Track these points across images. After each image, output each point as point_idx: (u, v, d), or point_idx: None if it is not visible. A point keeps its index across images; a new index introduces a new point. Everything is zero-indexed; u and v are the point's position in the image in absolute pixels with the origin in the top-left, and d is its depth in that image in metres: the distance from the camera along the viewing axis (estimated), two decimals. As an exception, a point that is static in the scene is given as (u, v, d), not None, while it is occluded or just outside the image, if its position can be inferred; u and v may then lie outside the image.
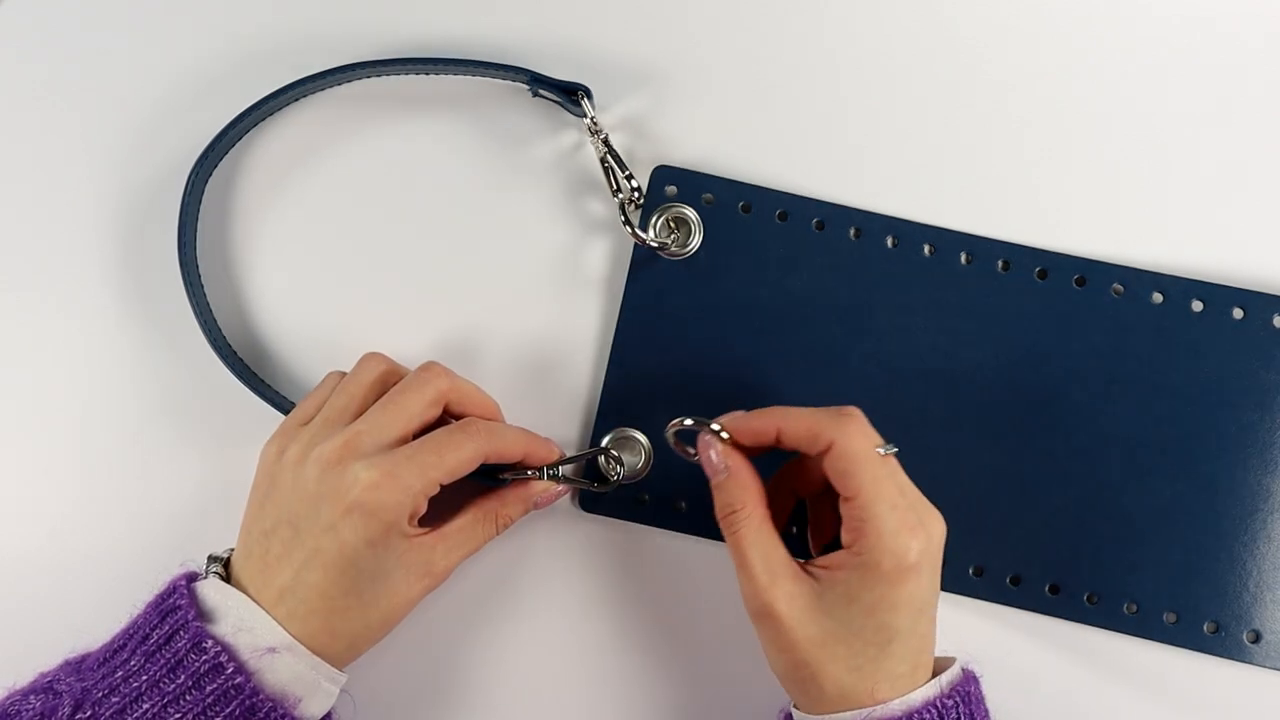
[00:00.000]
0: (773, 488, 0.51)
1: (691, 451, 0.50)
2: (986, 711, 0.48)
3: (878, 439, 0.47)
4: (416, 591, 0.48)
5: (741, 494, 0.48)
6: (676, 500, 0.55)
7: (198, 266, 0.56)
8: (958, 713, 0.45)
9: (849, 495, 0.46)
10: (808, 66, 0.58)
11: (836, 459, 0.46)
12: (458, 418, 0.51)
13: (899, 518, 0.45)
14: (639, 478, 0.55)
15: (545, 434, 0.54)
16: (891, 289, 0.56)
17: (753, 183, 0.57)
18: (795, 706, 0.49)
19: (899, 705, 0.45)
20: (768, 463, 0.50)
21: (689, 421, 0.49)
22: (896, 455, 0.47)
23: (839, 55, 0.58)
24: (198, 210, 0.56)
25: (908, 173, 0.57)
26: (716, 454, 0.48)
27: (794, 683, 0.47)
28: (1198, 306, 0.55)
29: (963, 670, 0.48)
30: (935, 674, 0.47)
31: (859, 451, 0.46)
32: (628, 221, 0.55)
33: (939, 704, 0.45)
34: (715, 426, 0.48)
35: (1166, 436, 0.55)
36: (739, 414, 0.49)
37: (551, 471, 0.52)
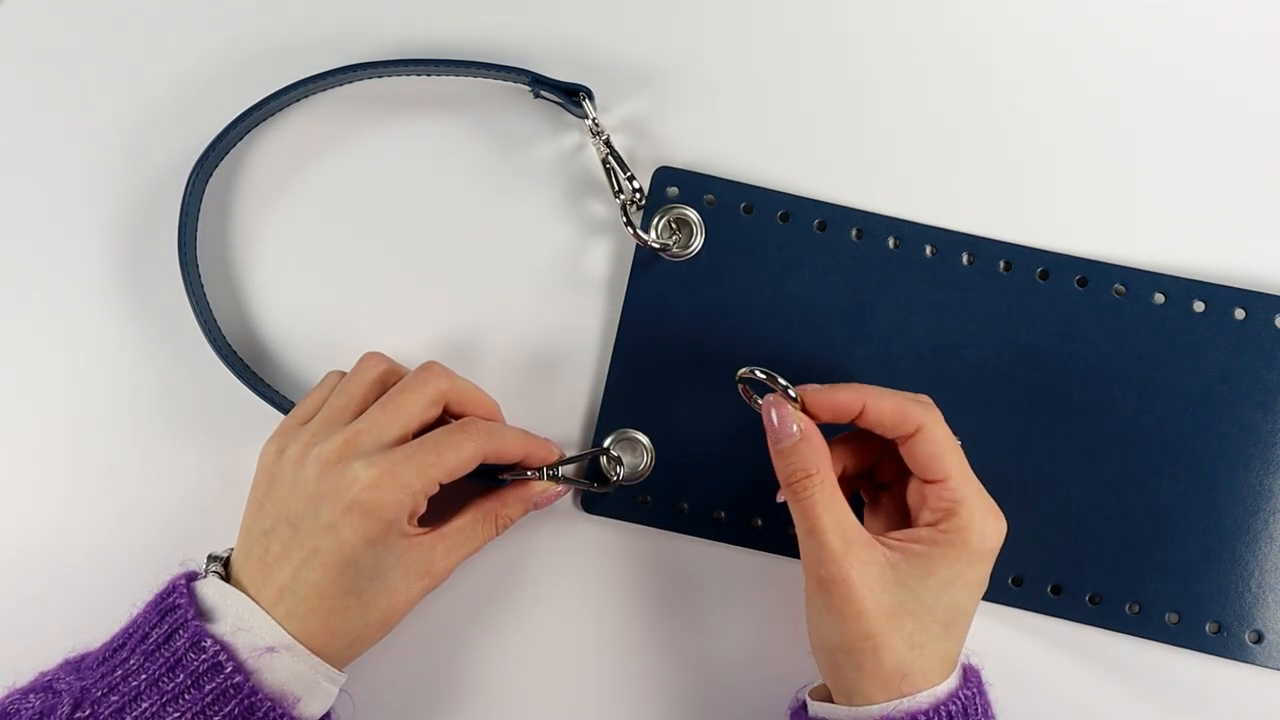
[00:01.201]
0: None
1: (758, 401, 0.50)
2: (990, 703, 0.48)
3: (951, 431, 0.48)
4: (416, 591, 0.48)
5: (815, 458, 0.47)
6: (678, 501, 0.55)
7: (198, 266, 0.56)
8: (976, 704, 0.46)
9: (939, 477, 0.47)
10: (809, 67, 0.58)
11: (926, 443, 0.47)
12: (458, 418, 0.50)
13: (985, 502, 0.47)
14: (640, 478, 0.55)
15: (546, 434, 0.54)
16: (893, 290, 0.56)
17: (754, 184, 0.57)
18: (813, 695, 0.48)
19: (926, 697, 0.45)
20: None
21: (760, 373, 0.49)
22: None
23: (840, 57, 0.58)
24: (198, 210, 0.56)
25: (909, 173, 0.57)
26: (786, 416, 0.48)
27: (848, 655, 0.46)
28: (1199, 307, 0.55)
29: (966, 663, 0.48)
30: None
31: (945, 437, 0.47)
32: (629, 222, 0.55)
33: (961, 695, 0.46)
34: (791, 392, 0.48)
35: (1168, 437, 0.55)
36: (818, 386, 0.49)
37: (551, 472, 0.52)
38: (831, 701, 0.48)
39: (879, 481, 0.52)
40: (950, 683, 0.46)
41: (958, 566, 0.46)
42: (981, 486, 0.48)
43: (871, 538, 0.47)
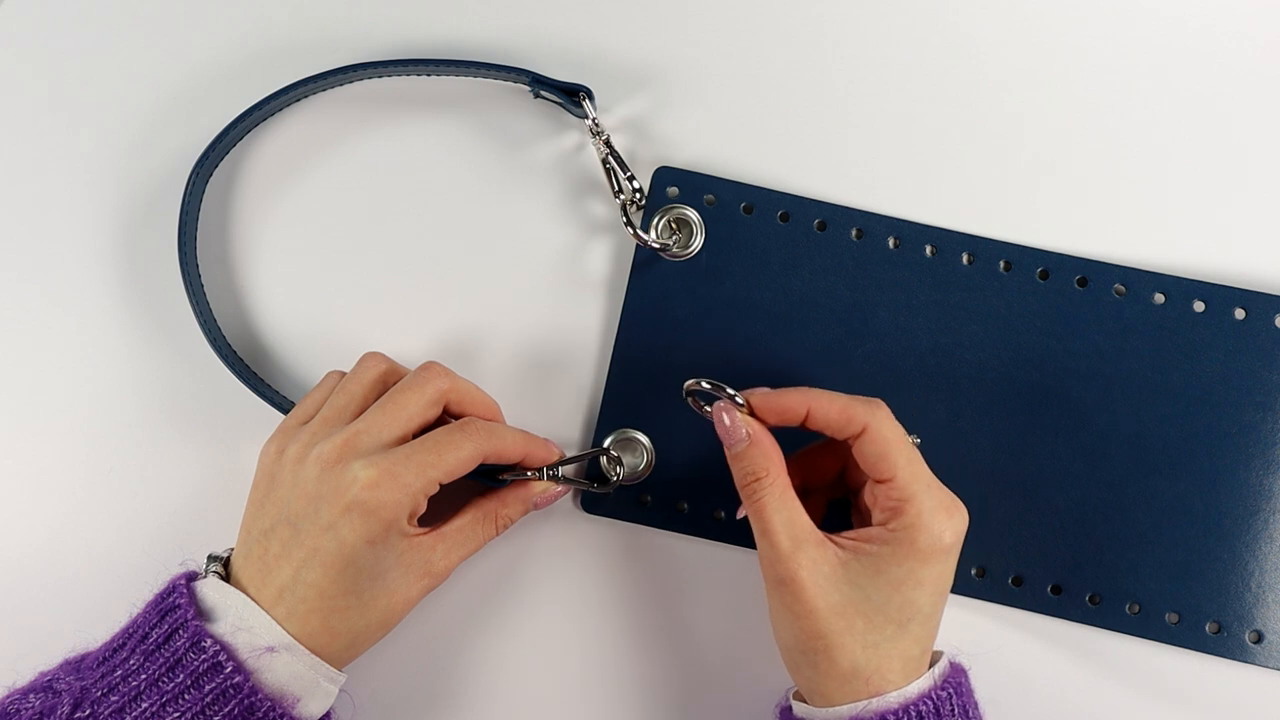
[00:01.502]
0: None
1: (708, 410, 0.50)
2: (977, 704, 0.48)
3: (903, 429, 0.48)
4: (416, 591, 0.48)
5: (764, 461, 0.48)
6: (678, 501, 0.55)
7: (198, 266, 0.56)
8: (951, 704, 0.46)
9: (885, 477, 0.47)
10: (809, 67, 0.58)
11: (872, 442, 0.47)
12: (458, 418, 0.50)
13: (936, 499, 0.46)
14: (640, 479, 0.55)
15: (547, 435, 0.54)
16: (893, 290, 0.56)
17: (754, 184, 0.57)
18: (794, 697, 0.49)
19: (896, 698, 0.45)
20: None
21: (706, 384, 0.49)
22: (918, 446, 0.48)
23: (840, 56, 0.58)
24: (198, 210, 0.56)
25: (909, 173, 0.57)
26: (734, 421, 0.48)
27: (804, 655, 0.46)
28: (1199, 307, 0.55)
29: (950, 663, 0.48)
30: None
31: (893, 436, 0.47)
32: (629, 223, 0.55)
33: (934, 695, 0.46)
34: (738, 399, 0.48)
35: (1168, 437, 0.55)
36: (765, 390, 0.49)
37: (551, 472, 0.52)
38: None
39: (853, 488, 0.52)
40: (922, 683, 0.46)
41: (908, 565, 0.46)
42: (936, 483, 0.47)
43: (824, 538, 0.47)
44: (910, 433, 0.48)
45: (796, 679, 0.48)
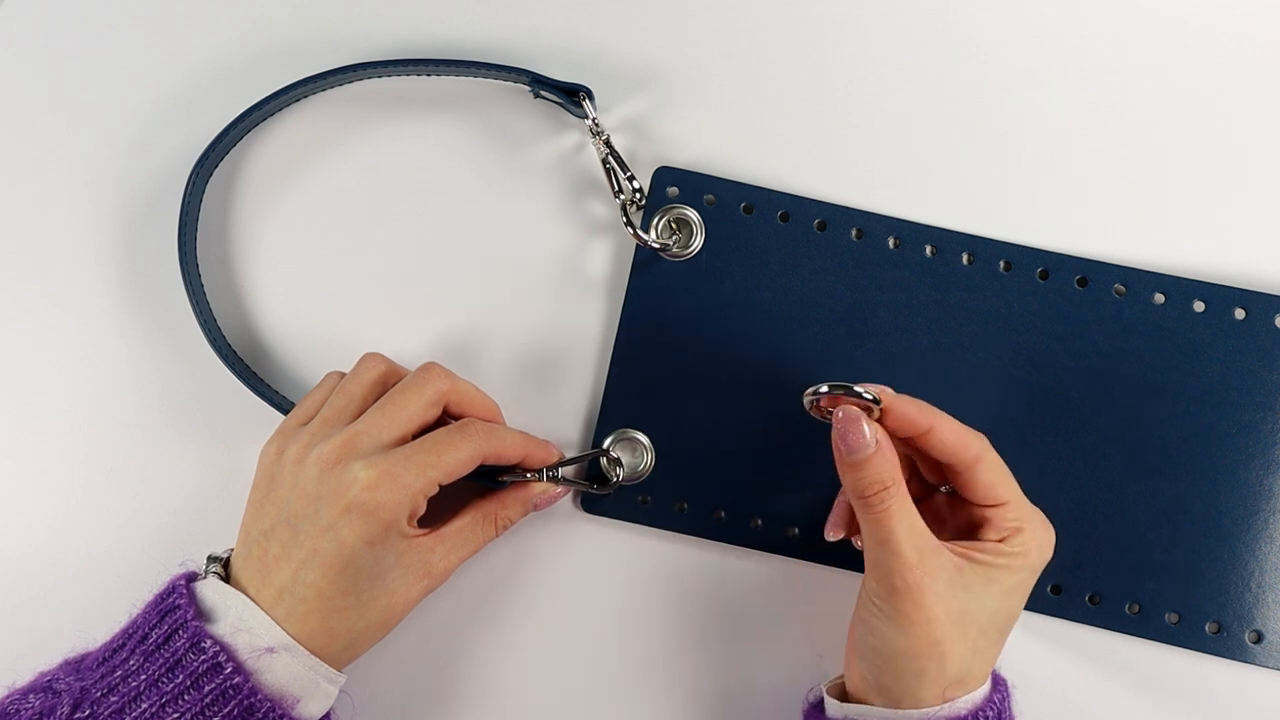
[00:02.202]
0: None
1: (829, 414, 0.48)
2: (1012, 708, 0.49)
3: None
4: (415, 592, 0.48)
5: (891, 470, 0.47)
6: (678, 501, 0.55)
7: (198, 266, 0.56)
8: (1007, 707, 0.47)
9: (999, 501, 0.48)
10: (809, 67, 0.58)
11: (988, 470, 0.48)
12: (457, 419, 0.51)
13: (1042, 519, 0.49)
14: (640, 479, 0.55)
15: (546, 435, 0.54)
16: (893, 290, 0.56)
17: (754, 184, 0.57)
18: (843, 696, 0.49)
19: (965, 703, 0.46)
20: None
21: (825, 388, 0.47)
22: None
23: (840, 56, 0.58)
24: (198, 210, 0.56)
25: (909, 173, 0.57)
26: (864, 428, 0.47)
27: (913, 661, 0.46)
28: (1199, 307, 0.55)
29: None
30: None
31: (1001, 465, 0.49)
32: (629, 223, 0.55)
33: (995, 699, 0.46)
34: (866, 395, 0.47)
35: (1168, 437, 0.55)
36: (895, 394, 0.48)
37: (551, 473, 0.52)
38: (847, 700, 0.48)
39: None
40: (985, 688, 0.47)
41: (1020, 575, 0.47)
42: (1033, 506, 0.49)
43: (940, 545, 0.47)
44: None
45: (885, 683, 0.46)
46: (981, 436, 0.48)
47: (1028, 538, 0.47)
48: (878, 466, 0.46)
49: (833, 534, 0.52)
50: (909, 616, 0.45)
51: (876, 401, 0.47)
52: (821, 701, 0.49)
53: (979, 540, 0.48)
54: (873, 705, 0.47)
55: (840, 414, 0.47)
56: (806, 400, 0.49)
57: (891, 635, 0.46)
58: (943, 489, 0.52)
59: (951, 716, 0.45)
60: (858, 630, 0.48)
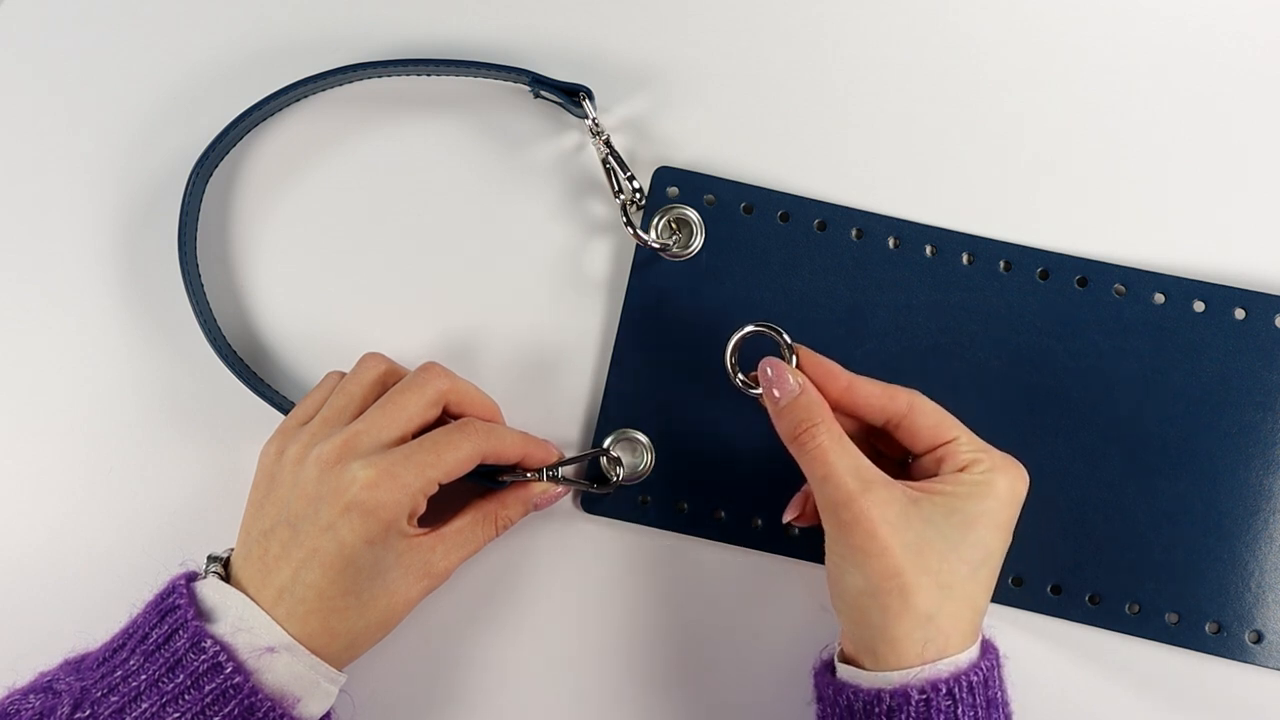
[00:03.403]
0: None
1: (743, 380, 0.52)
2: (1005, 679, 0.48)
3: None
4: (415, 592, 0.48)
5: (819, 409, 0.48)
6: (678, 501, 0.55)
7: (198, 266, 0.56)
8: (995, 676, 0.46)
9: (948, 439, 0.47)
10: (809, 67, 0.58)
11: (924, 413, 0.48)
12: (457, 419, 0.50)
13: (1006, 457, 0.48)
14: (640, 478, 0.55)
15: (546, 435, 0.54)
16: (893, 290, 0.56)
17: (754, 184, 0.57)
18: (843, 658, 0.47)
19: (947, 666, 0.45)
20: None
21: (759, 327, 0.51)
22: None
23: (840, 56, 0.58)
24: (198, 210, 0.56)
25: (909, 173, 0.57)
26: (785, 371, 0.49)
27: (874, 598, 0.45)
28: (1199, 307, 0.55)
29: (987, 635, 0.48)
30: None
31: (940, 408, 0.48)
32: (629, 223, 0.55)
33: (983, 666, 0.45)
34: (787, 339, 0.50)
35: (1168, 437, 0.55)
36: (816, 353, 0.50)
37: (551, 473, 0.52)
38: (853, 665, 0.47)
39: None
40: (971, 653, 0.46)
41: (986, 504, 0.46)
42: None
43: (890, 480, 0.46)
44: None
45: (858, 632, 0.46)
46: (914, 391, 0.49)
47: (988, 466, 0.47)
48: (804, 405, 0.48)
49: (789, 514, 0.52)
50: (863, 549, 0.45)
51: (790, 348, 0.50)
52: (831, 665, 0.49)
53: (941, 477, 0.47)
54: (863, 667, 0.46)
55: (768, 369, 0.49)
56: (730, 364, 0.52)
57: (849, 574, 0.46)
58: (910, 461, 0.51)
59: (931, 679, 0.44)
60: (829, 585, 0.48)
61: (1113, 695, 0.55)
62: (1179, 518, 0.54)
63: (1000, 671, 0.47)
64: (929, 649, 0.44)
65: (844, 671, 0.47)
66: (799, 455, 0.47)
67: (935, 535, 0.45)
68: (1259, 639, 0.54)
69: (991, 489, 0.46)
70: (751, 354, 0.51)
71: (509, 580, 0.55)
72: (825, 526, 0.47)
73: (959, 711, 0.44)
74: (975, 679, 0.45)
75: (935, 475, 0.48)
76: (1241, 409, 0.54)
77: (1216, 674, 0.54)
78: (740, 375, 0.52)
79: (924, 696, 0.44)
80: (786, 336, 0.50)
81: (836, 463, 0.46)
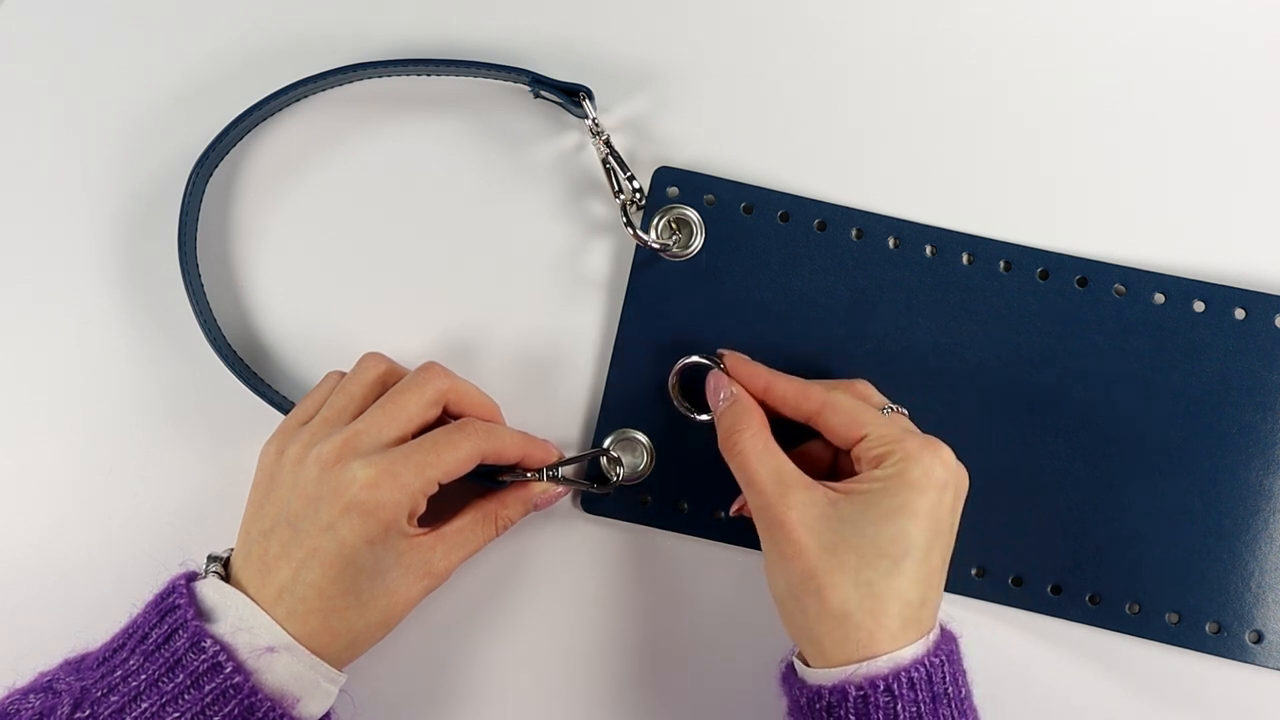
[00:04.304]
0: None
1: (686, 406, 0.55)
2: (964, 672, 0.47)
3: (881, 400, 0.50)
4: (416, 592, 0.48)
5: (746, 415, 0.49)
6: (678, 501, 0.55)
7: (198, 266, 0.56)
8: (944, 671, 0.45)
9: (859, 435, 0.48)
10: (809, 68, 0.58)
11: (834, 413, 0.49)
12: (457, 419, 0.50)
13: (923, 440, 0.47)
14: (640, 478, 0.55)
15: (546, 435, 0.54)
16: (893, 290, 0.56)
17: (754, 184, 0.57)
18: (798, 657, 0.48)
19: (886, 662, 0.45)
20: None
21: (689, 359, 0.54)
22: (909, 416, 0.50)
23: (840, 56, 0.58)
24: (198, 210, 0.56)
25: (909, 174, 0.57)
26: (717, 384, 0.51)
27: (795, 600, 0.46)
28: (1199, 307, 0.55)
29: (942, 629, 0.48)
30: None
31: (855, 403, 0.49)
32: (629, 223, 0.55)
33: (927, 662, 0.45)
34: (718, 357, 0.53)
35: (1168, 437, 0.55)
36: (737, 355, 0.53)
37: (551, 473, 0.52)
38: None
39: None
40: (915, 648, 0.45)
41: (901, 496, 0.46)
42: (916, 430, 0.48)
43: (813, 483, 0.47)
44: (895, 405, 0.50)
45: (792, 633, 0.48)
46: (836, 387, 0.50)
47: (899, 457, 0.46)
48: (734, 412, 0.50)
49: (734, 506, 0.53)
50: (784, 553, 0.46)
51: (718, 362, 0.53)
52: (793, 665, 0.49)
53: (855, 476, 0.48)
54: (808, 665, 0.47)
55: (710, 381, 0.52)
56: (673, 391, 0.55)
57: (775, 576, 0.47)
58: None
59: (870, 675, 0.44)
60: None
61: (1113, 695, 0.55)
62: (1179, 518, 0.54)
63: (951, 666, 0.46)
64: (854, 648, 0.45)
65: (799, 668, 0.48)
66: (729, 460, 0.49)
67: (853, 534, 0.45)
68: (1259, 639, 0.54)
69: (904, 480, 0.46)
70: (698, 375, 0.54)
71: (509, 580, 0.55)
72: (758, 530, 0.48)
73: (899, 707, 0.44)
74: (917, 674, 0.44)
75: (859, 468, 0.48)
76: (1241, 409, 0.55)
77: (1216, 674, 0.54)
78: (683, 402, 0.55)
79: (861, 693, 0.44)
80: (721, 352, 0.53)
81: (758, 468, 0.47)
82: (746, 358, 0.53)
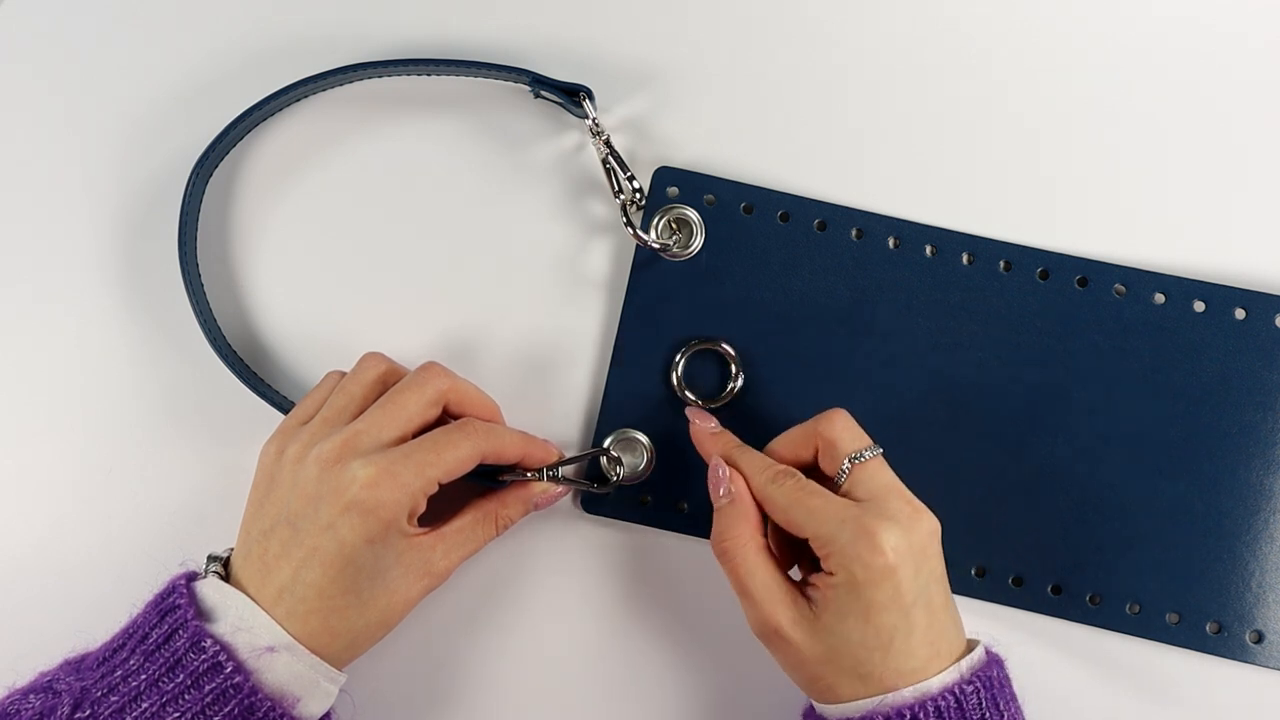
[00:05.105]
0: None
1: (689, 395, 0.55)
2: (1014, 694, 0.47)
3: (856, 441, 0.48)
4: (416, 591, 0.48)
5: (741, 521, 0.49)
6: (678, 501, 0.55)
7: (198, 266, 0.56)
8: (979, 698, 0.45)
9: (803, 537, 0.47)
10: (809, 67, 0.58)
11: (780, 510, 0.48)
12: (457, 418, 0.50)
13: (852, 530, 0.45)
14: (640, 479, 0.55)
15: (546, 435, 0.54)
16: (893, 290, 0.56)
17: (754, 184, 0.57)
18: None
19: (911, 693, 0.45)
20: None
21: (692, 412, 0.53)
22: (882, 455, 0.49)
23: (840, 56, 0.58)
24: (198, 210, 0.56)
25: (909, 173, 0.57)
26: (717, 479, 0.50)
27: (813, 692, 0.48)
28: (1199, 307, 0.55)
29: (986, 653, 0.48)
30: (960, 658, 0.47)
31: (792, 498, 0.47)
32: (629, 223, 0.55)
33: (957, 690, 0.45)
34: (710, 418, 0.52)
35: (1168, 437, 0.55)
36: (728, 440, 0.52)
37: (551, 473, 0.52)
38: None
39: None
40: (946, 676, 0.46)
41: (863, 597, 0.45)
42: (856, 510, 0.46)
43: (797, 593, 0.47)
44: (868, 449, 0.48)
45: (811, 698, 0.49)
46: (772, 482, 0.48)
47: (839, 562, 0.45)
48: (730, 515, 0.49)
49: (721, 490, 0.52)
50: (787, 659, 0.48)
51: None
52: (813, 706, 0.49)
53: (820, 573, 0.47)
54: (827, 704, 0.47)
55: (711, 472, 0.50)
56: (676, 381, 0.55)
57: (784, 667, 0.48)
58: None
59: (896, 705, 0.45)
60: None
61: (1113, 695, 0.55)
62: (1179, 518, 0.54)
63: (990, 691, 0.46)
64: (875, 701, 0.46)
65: (819, 707, 0.48)
66: (719, 563, 0.49)
67: (839, 642, 0.46)
68: (1259, 639, 0.54)
69: (853, 585, 0.45)
70: (699, 369, 0.55)
71: (509, 580, 0.55)
72: (752, 629, 0.48)
73: None
74: (944, 703, 0.45)
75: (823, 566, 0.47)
76: (1242, 409, 0.55)
77: (1216, 674, 0.54)
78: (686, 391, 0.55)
79: None
80: (688, 411, 0.53)
81: (748, 579, 0.48)
82: (713, 423, 0.52)
